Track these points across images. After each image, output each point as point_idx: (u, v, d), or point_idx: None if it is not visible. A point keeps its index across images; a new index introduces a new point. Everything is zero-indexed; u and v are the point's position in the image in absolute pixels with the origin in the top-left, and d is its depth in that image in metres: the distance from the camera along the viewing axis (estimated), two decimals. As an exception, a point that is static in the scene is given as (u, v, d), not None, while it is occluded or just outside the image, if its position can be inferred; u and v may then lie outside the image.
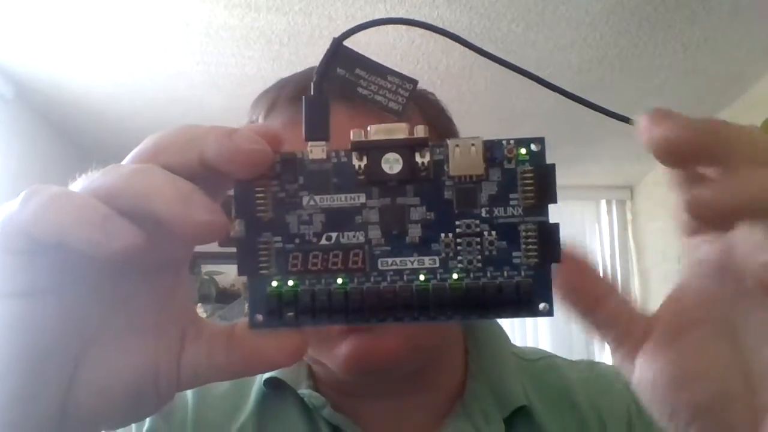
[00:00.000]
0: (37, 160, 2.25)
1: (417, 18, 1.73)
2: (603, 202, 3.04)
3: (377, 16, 1.78)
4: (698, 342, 0.25)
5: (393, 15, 1.67)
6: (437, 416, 0.48)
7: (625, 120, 0.25)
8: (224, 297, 2.61)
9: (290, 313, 0.25)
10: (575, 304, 0.25)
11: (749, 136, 0.22)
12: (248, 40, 1.79)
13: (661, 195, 2.60)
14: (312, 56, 1.85)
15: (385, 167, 0.24)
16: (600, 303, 0.25)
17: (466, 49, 0.26)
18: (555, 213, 0.25)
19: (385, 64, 0.27)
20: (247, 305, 0.26)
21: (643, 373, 0.25)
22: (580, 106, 0.26)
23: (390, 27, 1.77)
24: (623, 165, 2.72)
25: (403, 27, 1.73)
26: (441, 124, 0.51)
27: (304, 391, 0.48)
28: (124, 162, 0.25)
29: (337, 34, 0.26)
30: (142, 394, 0.26)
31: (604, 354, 2.78)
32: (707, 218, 0.22)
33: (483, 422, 0.47)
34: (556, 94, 0.27)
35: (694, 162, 0.22)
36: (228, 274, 2.60)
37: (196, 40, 1.79)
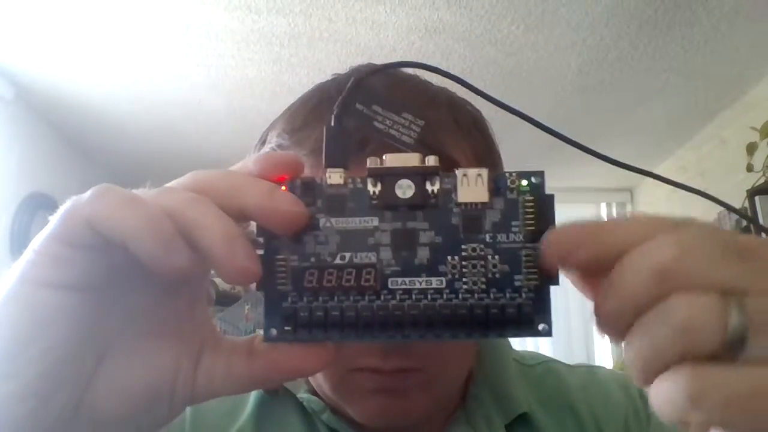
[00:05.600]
0: (37, 161, 2.25)
1: (417, 20, 1.72)
2: (603, 205, 3.04)
3: (377, 19, 1.78)
4: None
5: (393, 17, 1.67)
6: (439, 422, 0.48)
7: (603, 157, 0.27)
8: (225, 299, 2.61)
9: (304, 328, 0.26)
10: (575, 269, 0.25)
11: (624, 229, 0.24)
12: (248, 42, 1.79)
13: (661, 197, 2.60)
14: (312, 58, 1.86)
15: (398, 192, 0.26)
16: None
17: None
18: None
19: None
20: (261, 319, 0.27)
21: None
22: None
23: (390, 30, 1.78)
24: (623, 167, 2.71)
25: (404, 29, 1.74)
26: (487, 156, 0.49)
27: (303, 395, 0.48)
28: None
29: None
30: (158, 397, 0.27)
31: (602, 359, 2.78)
32: (614, 330, 0.23)
33: (485, 428, 0.47)
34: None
35: (586, 270, 0.24)
36: (228, 276, 2.58)
37: (196, 42, 1.79)
